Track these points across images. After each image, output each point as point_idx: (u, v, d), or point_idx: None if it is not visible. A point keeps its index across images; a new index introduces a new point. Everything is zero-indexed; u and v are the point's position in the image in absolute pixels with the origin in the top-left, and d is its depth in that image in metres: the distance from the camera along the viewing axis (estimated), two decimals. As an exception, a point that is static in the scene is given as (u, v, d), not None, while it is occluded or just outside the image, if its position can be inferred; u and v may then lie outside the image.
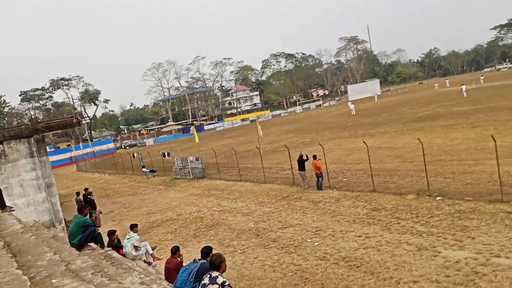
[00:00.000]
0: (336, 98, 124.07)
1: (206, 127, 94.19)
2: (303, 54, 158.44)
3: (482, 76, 72.45)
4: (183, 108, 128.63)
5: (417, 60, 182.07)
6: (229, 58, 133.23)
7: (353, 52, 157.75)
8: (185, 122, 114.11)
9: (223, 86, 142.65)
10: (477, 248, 9.46)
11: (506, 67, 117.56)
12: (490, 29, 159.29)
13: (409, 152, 21.22)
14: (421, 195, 14.43)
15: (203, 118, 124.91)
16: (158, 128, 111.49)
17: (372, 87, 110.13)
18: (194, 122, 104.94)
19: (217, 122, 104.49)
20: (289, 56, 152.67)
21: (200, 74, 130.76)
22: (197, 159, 29.28)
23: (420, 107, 45.79)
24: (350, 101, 77.89)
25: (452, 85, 73.65)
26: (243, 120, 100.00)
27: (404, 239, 10.82)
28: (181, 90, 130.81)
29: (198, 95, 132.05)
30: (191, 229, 16.08)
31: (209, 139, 62.43)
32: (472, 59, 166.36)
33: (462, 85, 50.95)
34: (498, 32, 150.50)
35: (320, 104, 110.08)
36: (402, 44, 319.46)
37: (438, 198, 13.76)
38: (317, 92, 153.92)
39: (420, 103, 51.08)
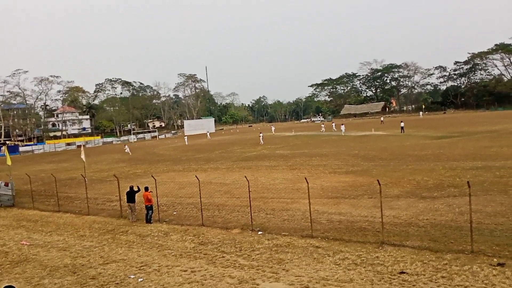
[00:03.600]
0: (173, 131, 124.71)
1: (21, 149, 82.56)
2: (141, 83, 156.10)
3: (323, 124, 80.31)
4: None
5: (248, 104, 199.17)
6: (58, 76, 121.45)
7: (191, 89, 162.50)
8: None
9: (47, 105, 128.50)
10: (290, 280, 10.43)
11: (319, 120, 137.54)
12: (308, 86, 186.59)
13: (237, 188, 22.54)
14: (245, 230, 15.35)
15: (19, 139, 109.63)
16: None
17: (207, 125, 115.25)
18: (7, 142, 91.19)
19: (36, 144, 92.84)
20: (126, 84, 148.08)
21: (20, 89, 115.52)
22: (6, 185, 25.26)
23: (248, 147, 49.54)
24: (186, 135, 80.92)
25: (278, 131, 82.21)
26: (68, 144, 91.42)
27: (227, 273, 11.22)
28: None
29: (15, 112, 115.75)
30: (-10, 267, 13.55)
31: (24, 163, 54.87)
32: (293, 110, 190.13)
33: (260, 133, 58.70)
34: (314, 90, 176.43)
35: (156, 136, 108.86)
36: (236, 88, 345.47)
37: (259, 232, 14.85)
38: (153, 123, 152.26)
39: (249, 144, 55.30)
